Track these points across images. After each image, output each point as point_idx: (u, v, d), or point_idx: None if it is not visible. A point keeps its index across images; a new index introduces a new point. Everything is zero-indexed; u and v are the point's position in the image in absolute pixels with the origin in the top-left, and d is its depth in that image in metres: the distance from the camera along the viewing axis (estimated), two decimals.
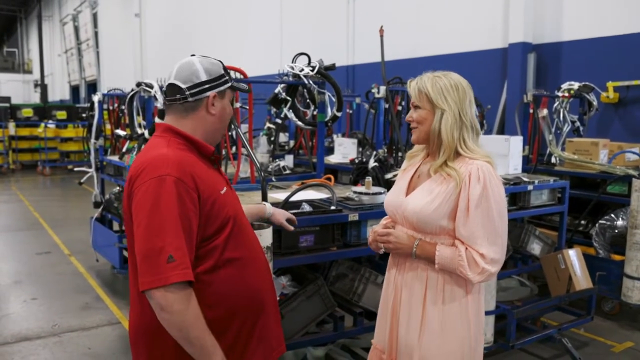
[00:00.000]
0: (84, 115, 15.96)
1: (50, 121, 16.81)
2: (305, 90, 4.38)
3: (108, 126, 6.95)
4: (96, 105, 6.33)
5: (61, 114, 17.13)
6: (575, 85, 5.91)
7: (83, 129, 9.00)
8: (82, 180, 7.05)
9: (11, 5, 38.95)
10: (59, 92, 34.84)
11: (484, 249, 2.01)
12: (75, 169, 9.18)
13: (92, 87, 27.72)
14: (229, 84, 1.97)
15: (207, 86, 1.89)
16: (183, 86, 1.87)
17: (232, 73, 3.87)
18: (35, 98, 33.57)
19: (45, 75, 28.99)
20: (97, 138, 6.25)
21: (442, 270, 2.08)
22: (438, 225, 2.07)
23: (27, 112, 17.22)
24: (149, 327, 1.82)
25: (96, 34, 27.05)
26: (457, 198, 2.04)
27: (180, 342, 1.73)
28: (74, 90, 32.24)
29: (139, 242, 1.71)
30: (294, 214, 3.07)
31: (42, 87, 27.34)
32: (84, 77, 29.72)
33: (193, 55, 1.96)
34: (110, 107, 6.75)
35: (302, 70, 4.13)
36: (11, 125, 16.42)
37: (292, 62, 4.28)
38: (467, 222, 2.02)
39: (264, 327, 1.98)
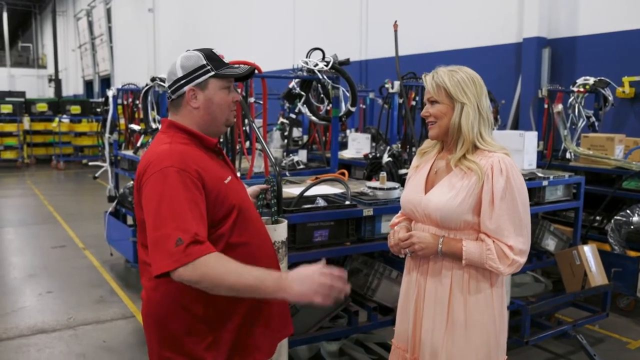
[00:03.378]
0: (98, 110, 16.11)
1: (65, 116, 16.95)
2: (319, 85, 4.37)
3: (122, 121, 6.99)
4: (110, 100, 6.37)
5: (75, 109, 17.27)
6: (591, 80, 5.86)
7: (97, 124, 9.07)
8: (96, 175, 7.11)
9: (26, 0, 39.28)
10: (72, 87, 35.10)
11: (511, 240, 2.01)
12: (90, 163, 9.25)
13: (106, 82, 27.90)
14: (210, 74, 1.94)
15: (182, 82, 1.94)
16: (166, 85, 2.00)
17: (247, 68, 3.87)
18: (50, 93, 33.81)
19: (60, 70, 29.17)
20: (111, 132, 6.29)
21: (467, 265, 2.08)
22: (462, 220, 2.06)
23: (42, 107, 17.39)
24: (159, 312, 1.90)
25: (110, 29, 27.20)
26: (480, 192, 2.03)
27: (230, 294, 1.75)
28: (88, 85, 32.47)
29: (150, 231, 1.78)
30: (308, 208, 3.08)
31: (56, 81, 27.52)
32: (97, 72, 29.92)
33: (188, 50, 2.03)
34: (125, 102, 6.79)
35: (316, 65, 4.13)
36: (26, 119, 16.59)
37: (307, 57, 4.28)
38: (493, 215, 2.01)
39: (271, 311, 2.03)
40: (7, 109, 16.56)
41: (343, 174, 4.06)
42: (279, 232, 2.60)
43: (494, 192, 2.01)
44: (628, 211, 5.02)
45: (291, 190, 3.45)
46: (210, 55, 1.98)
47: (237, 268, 1.73)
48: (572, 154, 5.69)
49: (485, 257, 2.03)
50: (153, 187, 1.81)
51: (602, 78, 5.92)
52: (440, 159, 2.22)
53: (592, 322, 4.54)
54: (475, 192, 2.04)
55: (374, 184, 3.41)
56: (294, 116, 4.31)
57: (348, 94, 4.37)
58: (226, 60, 2.05)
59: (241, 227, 1.95)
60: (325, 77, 4.16)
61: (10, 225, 8.92)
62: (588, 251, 4.41)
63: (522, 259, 2.04)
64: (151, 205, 1.79)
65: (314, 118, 4.45)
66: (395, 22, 4.85)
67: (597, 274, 4.38)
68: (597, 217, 5.46)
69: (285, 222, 2.64)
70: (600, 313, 4.37)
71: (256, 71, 3.95)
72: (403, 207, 2.30)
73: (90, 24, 30.15)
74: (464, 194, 2.05)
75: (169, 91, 1.98)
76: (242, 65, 2.11)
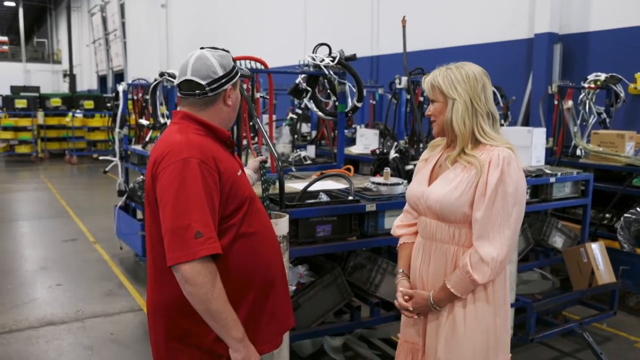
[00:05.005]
0: (108, 104, 16.22)
1: (78, 111, 17.07)
2: (325, 80, 4.37)
3: (133, 116, 7.03)
4: (121, 95, 6.41)
5: (88, 104, 17.38)
6: (602, 76, 5.79)
7: (108, 119, 9.17)
8: (106, 169, 7.17)
9: None
10: (86, 82, 35.37)
11: (487, 246, 2.00)
12: (100, 157, 9.33)
13: (119, 77, 28.10)
14: (239, 74, 2.06)
15: (224, 80, 1.98)
16: (203, 82, 1.94)
17: (251, 63, 3.89)
18: (64, 88, 34.14)
19: (74, 66, 29.52)
20: (121, 127, 6.33)
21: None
22: (461, 212, 2.07)
23: (56, 102, 17.52)
24: (168, 304, 1.92)
25: (123, 24, 27.37)
26: (477, 184, 2.04)
27: (203, 315, 1.82)
28: (102, 80, 32.70)
29: (167, 220, 1.80)
30: (311, 203, 3.09)
31: (71, 77, 27.83)
32: (111, 67, 30.12)
33: (202, 48, 2.02)
34: (135, 97, 6.83)
35: (322, 60, 4.12)
36: (40, 114, 16.73)
37: (313, 52, 4.27)
38: (483, 207, 2.01)
39: (276, 301, 2.07)
40: (21, 103, 16.73)
41: (349, 169, 4.06)
42: (280, 226, 2.61)
43: (487, 185, 2.01)
44: (638, 209, 4.97)
45: (295, 185, 3.46)
46: (232, 57, 2.06)
47: (227, 299, 1.83)
48: (582, 151, 5.64)
49: (468, 279, 2.03)
50: (172, 176, 1.82)
51: (614, 74, 5.85)
52: (446, 153, 2.23)
53: (600, 321, 4.51)
54: (473, 185, 2.05)
55: (377, 179, 3.42)
56: (299, 111, 4.31)
57: (354, 90, 4.36)
58: (236, 54, 2.10)
59: (251, 217, 1.99)
60: (331, 72, 4.15)
61: (24, 219, 9.03)
62: (596, 249, 4.37)
63: (502, 255, 2.01)
64: (169, 195, 1.81)
65: (320, 113, 4.45)
66: (404, 17, 4.83)
67: (604, 272, 4.34)
68: (607, 215, 5.41)
69: (287, 216, 2.65)
70: (608, 311, 4.33)
71: (262, 66, 3.99)
72: (408, 200, 2.31)
73: (104, 20, 30.35)
74: (463, 187, 2.06)
75: (208, 89, 1.94)
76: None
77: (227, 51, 2.06)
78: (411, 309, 2.17)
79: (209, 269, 1.78)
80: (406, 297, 2.20)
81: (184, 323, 1.91)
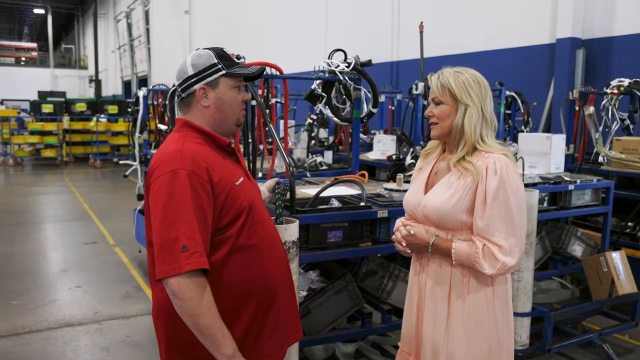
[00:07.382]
0: (129, 109, 16.46)
1: (102, 115, 17.33)
2: (341, 86, 4.37)
3: (153, 121, 7.10)
4: (141, 100, 6.50)
5: (112, 109, 17.63)
6: (625, 81, 5.69)
7: (130, 123, 9.29)
8: (126, 173, 7.25)
9: (69, 4, 40.46)
10: (112, 87, 35.92)
11: (502, 240, 1.99)
12: (121, 162, 9.46)
13: (143, 82, 28.47)
14: (221, 73, 1.95)
15: (193, 80, 1.94)
16: (176, 83, 1.97)
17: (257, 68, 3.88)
18: (90, 93, 34.71)
19: (100, 71, 30.03)
20: (141, 132, 6.42)
21: (464, 265, 2.06)
22: (458, 220, 2.05)
23: (81, 107, 17.81)
24: (166, 311, 1.89)
25: (148, 30, 27.76)
26: (475, 192, 2.02)
27: (192, 329, 1.79)
28: (126, 85, 33.17)
29: (155, 233, 1.78)
30: (322, 209, 3.08)
31: (97, 82, 28.28)
32: (135, 72, 30.55)
33: (198, 49, 2.01)
34: (155, 102, 6.90)
35: (337, 66, 4.11)
36: (65, 119, 17.02)
37: (329, 58, 4.28)
38: (484, 215, 2.00)
39: (279, 314, 2.01)
40: (48, 108, 17.05)
41: (363, 175, 4.05)
42: (290, 232, 2.60)
43: (486, 192, 2.00)
44: None
45: (308, 191, 3.46)
46: (221, 54, 1.98)
47: (217, 314, 1.78)
48: (605, 158, 5.53)
49: (474, 257, 2.01)
50: (162, 188, 1.80)
51: (638, 80, 5.74)
52: (441, 160, 2.22)
53: (621, 332, 4.41)
54: (470, 192, 2.03)
55: (390, 185, 3.39)
56: (314, 117, 4.31)
57: (370, 95, 4.35)
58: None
59: (250, 229, 1.93)
60: (346, 78, 4.15)
61: (48, 221, 9.19)
62: (616, 258, 4.28)
63: (513, 261, 2.00)
64: (158, 207, 1.79)
65: (335, 119, 4.45)
66: (421, 23, 4.82)
67: (625, 282, 4.25)
68: (629, 223, 5.29)
69: (297, 222, 2.64)
70: (629, 322, 4.23)
71: (277, 72, 4.00)
72: (405, 208, 2.30)
73: (129, 26, 30.85)
74: (459, 194, 2.05)
75: (179, 89, 1.96)
76: (253, 66, 2.12)
77: (222, 48, 2.02)
78: (412, 232, 2.13)
79: (197, 283, 1.74)
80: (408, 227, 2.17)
81: (182, 334, 1.86)
